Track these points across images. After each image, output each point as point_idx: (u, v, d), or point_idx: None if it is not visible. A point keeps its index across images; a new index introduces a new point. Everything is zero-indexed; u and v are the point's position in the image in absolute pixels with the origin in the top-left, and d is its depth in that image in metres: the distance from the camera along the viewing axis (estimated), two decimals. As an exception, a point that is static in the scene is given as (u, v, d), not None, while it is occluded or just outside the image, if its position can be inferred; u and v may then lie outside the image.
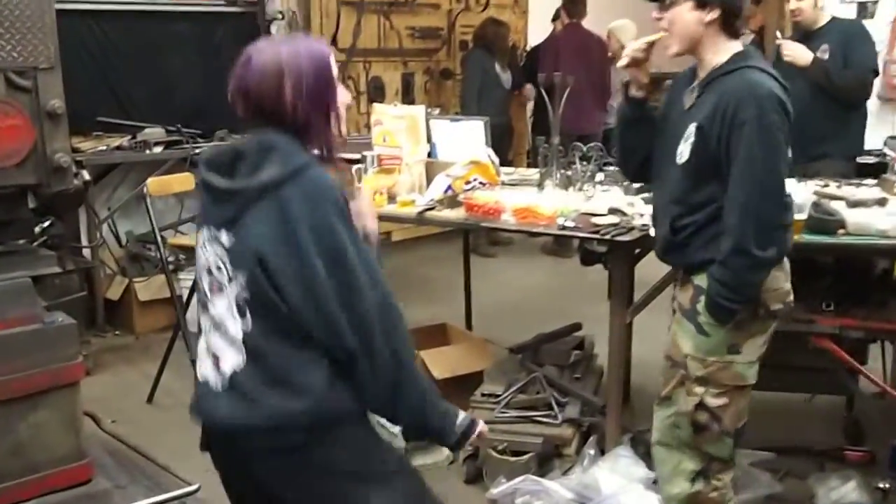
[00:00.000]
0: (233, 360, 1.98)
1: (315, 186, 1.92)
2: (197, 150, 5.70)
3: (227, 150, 2.04)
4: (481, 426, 2.17)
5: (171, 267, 4.89)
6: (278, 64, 1.96)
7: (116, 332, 5.59)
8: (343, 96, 2.07)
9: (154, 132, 5.60)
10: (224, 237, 1.96)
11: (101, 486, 2.75)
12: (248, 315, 1.96)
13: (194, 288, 2.13)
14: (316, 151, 2.01)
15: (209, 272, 2.02)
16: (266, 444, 1.97)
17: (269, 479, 2.01)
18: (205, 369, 2.06)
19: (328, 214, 1.90)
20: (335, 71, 2.04)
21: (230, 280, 1.97)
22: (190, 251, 4.94)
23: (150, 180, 4.65)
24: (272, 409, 1.94)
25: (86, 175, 4.30)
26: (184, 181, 4.80)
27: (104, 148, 5.44)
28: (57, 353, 2.61)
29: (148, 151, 5.53)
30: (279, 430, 1.95)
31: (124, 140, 5.56)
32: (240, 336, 1.97)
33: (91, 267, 5.37)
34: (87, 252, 5.40)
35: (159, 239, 4.62)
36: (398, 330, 1.98)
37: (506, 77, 7.66)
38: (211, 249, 2.00)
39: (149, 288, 5.52)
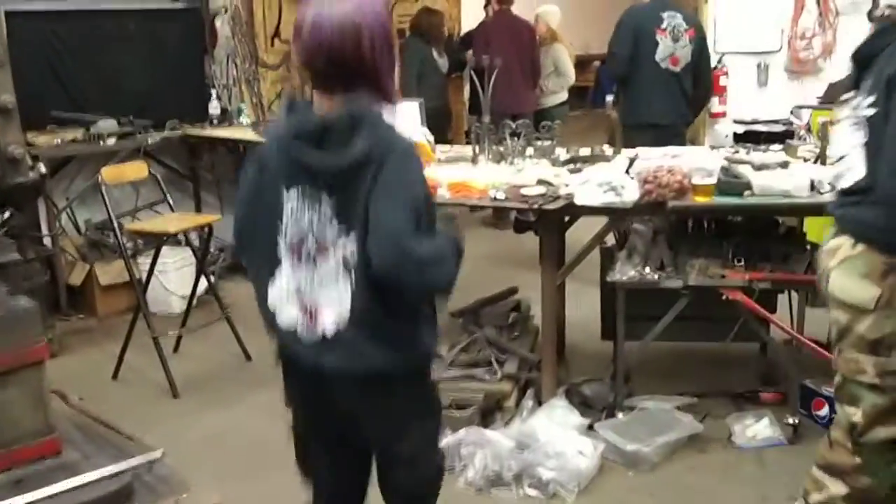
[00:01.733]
0: (337, 314, 2.05)
1: (403, 150, 2.00)
2: (149, 141, 5.67)
3: (316, 122, 2.02)
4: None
5: (129, 252, 4.87)
6: (352, 20, 1.97)
7: (80, 316, 5.53)
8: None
9: (107, 125, 5.55)
10: (326, 199, 2.02)
11: (71, 458, 2.74)
12: (353, 273, 2.02)
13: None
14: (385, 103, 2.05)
15: (306, 232, 2.06)
16: (360, 386, 2.11)
17: (353, 408, 2.20)
18: (294, 316, 2.12)
19: (417, 171, 2.02)
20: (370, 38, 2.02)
21: (336, 240, 2.03)
22: (147, 236, 4.91)
23: (104, 169, 4.60)
24: (373, 360, 2.07)
25: (42, 168, 4.28)
26: (137, 169, 4.77)
27: (59, 142, 5.37)
28: (21, 335, 2.60)
29: (101, 143, 5.47)
30: (377, 375, 2.08)
31: (78, 133, 5.50)
32: (348, 293, 2.03)
33: (52, 254, 5.32)
34: (47, 241, 5.35)
35: (116, 225, 4.59)
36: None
37: (442, 62, 7.67)
38: (309, 210, 2.05)
39: (109, 272, 5.48)
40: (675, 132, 5.10)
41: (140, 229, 4.90)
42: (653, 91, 5.14)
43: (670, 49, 5.13)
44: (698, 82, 5.32)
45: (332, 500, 2.49)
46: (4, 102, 2.56)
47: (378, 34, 2.00)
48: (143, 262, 5.18)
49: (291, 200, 2.07)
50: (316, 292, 2.08)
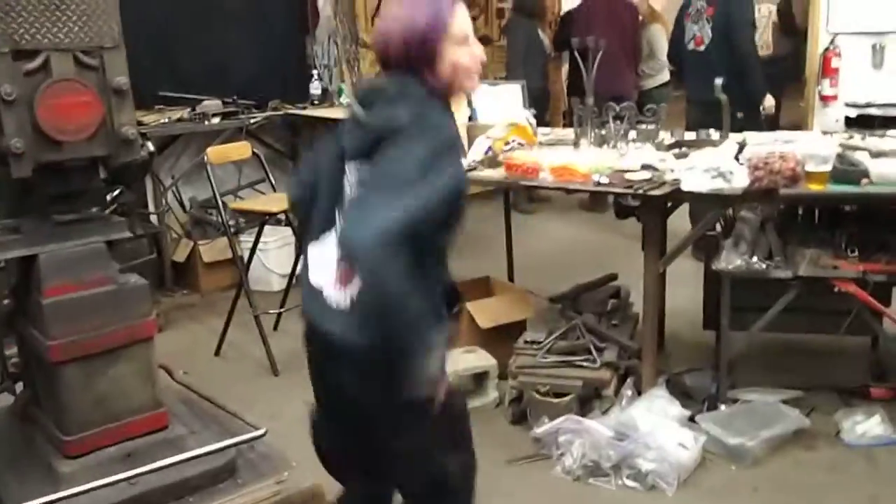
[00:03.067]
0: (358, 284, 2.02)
1: (432, 124, 1.99)
2: (252, 121, 5.76)
3: (373, 86, 2.16)
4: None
5: (232, 230, 4.96)
6: (398, 19, 2.07)
7: (184, 292, 5.69)
8: (469, 52, 2.10)
9: (211, 104, 5.67)
10: (354, 168, 2.07)
11: (177, 432, 2.81)
12: None
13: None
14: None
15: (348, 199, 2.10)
16: (363, 360, 2.04)
17: (352, 384, 2.12)
18: (323, 280, 2.13)
19: (433, 141, 1.96)
20: (452, 27, 2.06)
21: None
22: (250, 215, 5.00)
23: (209, 149, 4.70)
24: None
25: (150, 146, 4.36)
26: (241, 149, 4.85)
27: (166, 120, 5.50)
28: (132, 312, 2.66)
29: (206, 122, 5.59)
30: (378, 351, 2.00)
31: (184, 112, 5.63)
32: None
33: (158, 231, 5.47)
34: (154, 218, 5.50)
35: (220, 204, 4.68)
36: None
37: (547, 41, 7.58)
38: (349, 179, 2.10)
39: (212, 250, 5.61)
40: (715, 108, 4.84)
41: (243, 208, 4.99)
42: (688, 72, 5.75)
43: (693, 31, 5.58)
44: (733, 54, 5.38)
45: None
46: (119, 84, 2.61)
47: (419, 32, 2.03)
48: (246, 240, 5.28)
49: (351, 173, 2.10)
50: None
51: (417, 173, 1.89)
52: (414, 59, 2.06)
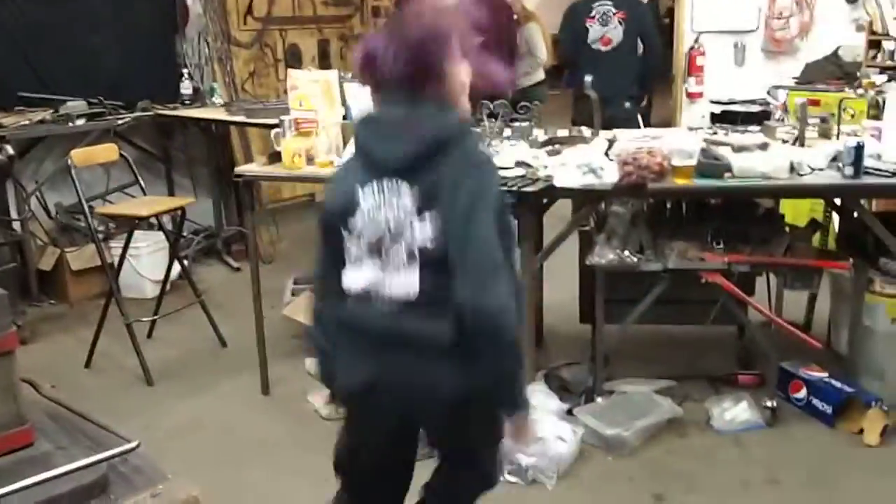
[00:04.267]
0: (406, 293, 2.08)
1: (476, 152, 2.11)
2: (120, 121, 5.58)
3: (393, 116, 2.10)
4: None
5: (100, 236, 4.80)
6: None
7: (51, 302, 5.47)
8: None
9: (76, 105, 5.47)
10: (404, 189, 2.05)
11: (44, 449, 2.68)
12: (419, 260, 2.05)
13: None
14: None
15: (384, 228, 2.08)
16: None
17: (450, 377, 2.10)
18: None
19: (490, 174, 2.09)
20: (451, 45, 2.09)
21: (411, 228, 2.05)
22: (119, 219, 4.85)
23: (74, 152, 4.52)
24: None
25: (9, 149, 4.21)
26: (107, 151, 4.70)
27: (27, 122, 5.27)
28: (-10, 324, 2.55)
29: (71, 124, 5.39)
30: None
31: (47, 114, 5.40)
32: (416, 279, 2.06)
33: (21, 239, 5.24)
34: (16, 225, 5.26)
35: (87, 209, 4.52)
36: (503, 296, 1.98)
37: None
38: (384, 201, 2.07)
39: (80, 257, 5.40)
40: (615, 103, 5.62)
41: (112, 213, 4.83)
42: (592, 69, 5.74)
43: (600, 32, 5.92)
44: (646, 54, 6.00)
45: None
46: (-30, 85, 2.49)
47: (420, 49, 2.05)
48: (116, 246, 5.12)
49: (368, 198, 2.09)
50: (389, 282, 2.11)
51: (507, 221, 2.11)
52: (422, 77, 2.04)
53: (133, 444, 2.77)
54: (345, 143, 3.97)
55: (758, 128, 4.11)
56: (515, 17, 7.27)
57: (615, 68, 5.75)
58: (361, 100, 4.34)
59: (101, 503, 2.67)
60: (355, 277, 2.15)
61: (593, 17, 5.98)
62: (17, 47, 5.50)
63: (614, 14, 5.91)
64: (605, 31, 5.94)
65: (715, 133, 4.08)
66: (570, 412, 3.61)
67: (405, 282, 2.08)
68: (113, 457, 2.77)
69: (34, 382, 3.25)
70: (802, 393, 3.74)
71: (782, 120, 4.33)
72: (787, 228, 3.88)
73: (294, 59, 7.50)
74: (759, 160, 3.47)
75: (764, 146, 3.69)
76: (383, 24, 2.16)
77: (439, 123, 2.06)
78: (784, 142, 3.84)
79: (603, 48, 5.93)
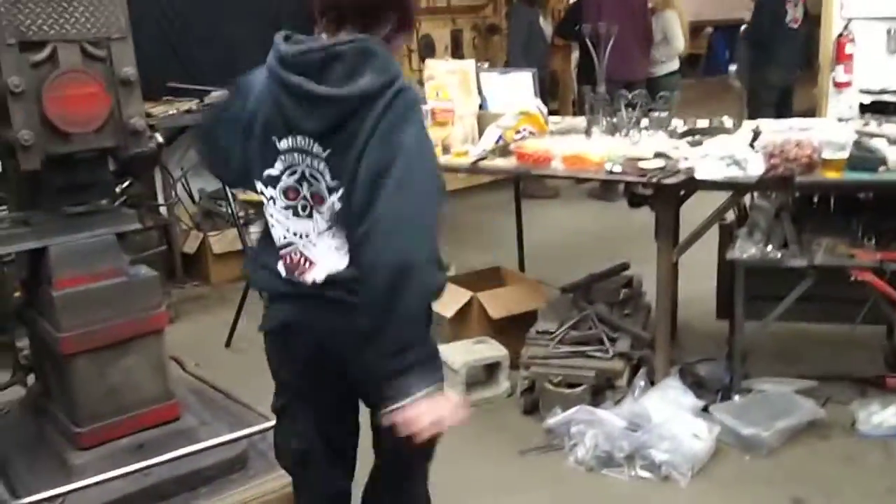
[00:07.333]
0: (332, 265, 1.97)
1: (409, 98, 1.86)
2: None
3: (315, 52, 1.89)
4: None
5: (241, 221, 4.96)
6: None
7: (194, 283, 5.70)
8: None
9: (220, 95, 5.65)
10: (317, 148, 1.90)
11: (189, 424, 2.81)
12: (338, 224, 1.93)
13: None
14: None
15: (301, 182, 1.95)
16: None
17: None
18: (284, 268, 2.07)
19: (420, 123, 1.87)
20: None
21: (330, 191, 1.91)
22: (258, 206, 4.98)
23: (218, 140, 4.68)
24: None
25: (159, 138, 4.35)
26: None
27: (174, 112, 5.48)
28: (142, 303, 2.67)
29: (215, 114, 5.57)
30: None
31: (193, 104, 5.61)
32: (344, 246, 1.94)
33: (168, 223, 5.47)
34: (163, 210, 5.50)
35: (229, 195, 4.68)
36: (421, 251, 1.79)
37: (547, 28, 7.54)
38: (300, 159, 1.93)
39: (222, 241, 5.61)
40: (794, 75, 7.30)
41: (252, 199, 4.97)
42: (782, 49, 7.07)
43: (792, 13, 7.08)
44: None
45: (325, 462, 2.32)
46: (127, 75, 2.60)
47: None
48: (255, 230, 5.27)
49: (283, 152, 1.96)
50: (309, 247, 2.00)
51: (432, 172, 1.87)
52: (396, 24, 1.93)
53: (272, 423, 2.87)
54: (480, 133, 3.97)
55: (916, 118, 3.90)
56: (652, 3, 7.14)
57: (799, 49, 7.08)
58: (497, 89, 4.36)
59: (240, 478, 2.79)
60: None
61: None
62: (166, 40, 5.72)
63: None
64: (797, 11, 6.99)
65: (867, 124, 3.89)
66: (705, 409, 3.52)
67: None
68: (253, 434, 2.87)
69: (180, 360, 3.40)
70: (957, 399, 3.53)
71: (940, 110, 4.09)
72: (945, 225, 3.66)
73: (427, 49, 7.58)
74: (916, 152, 3.29)
75: (921, 138, 3.49)
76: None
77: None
78: (943, 133, 3.63)
79: (794, 26, 6.98)
